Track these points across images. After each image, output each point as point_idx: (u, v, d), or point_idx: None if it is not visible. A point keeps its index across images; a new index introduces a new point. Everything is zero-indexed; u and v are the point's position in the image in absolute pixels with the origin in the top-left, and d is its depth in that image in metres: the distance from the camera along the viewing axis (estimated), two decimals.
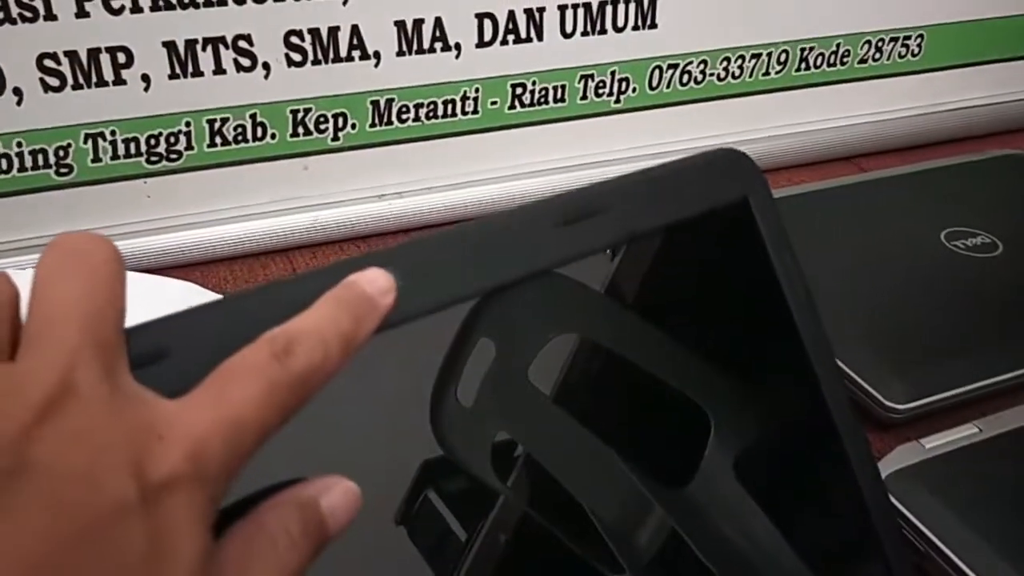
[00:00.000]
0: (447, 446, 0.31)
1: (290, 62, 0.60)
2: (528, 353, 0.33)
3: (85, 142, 0.58)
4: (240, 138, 0.61)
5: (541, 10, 0.64)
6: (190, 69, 0.58)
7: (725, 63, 0.71)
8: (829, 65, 0.74)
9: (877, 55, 0.76)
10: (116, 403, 0.22)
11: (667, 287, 0.38)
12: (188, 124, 0.59)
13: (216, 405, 0.23)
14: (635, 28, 0.67)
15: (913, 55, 0.77)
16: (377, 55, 0.61)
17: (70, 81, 0.56)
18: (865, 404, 0.51)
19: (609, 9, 0.66)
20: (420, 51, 0.62)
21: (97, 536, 0.21)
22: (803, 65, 0.74)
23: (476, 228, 0.31)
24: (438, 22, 0.62)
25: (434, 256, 0.29)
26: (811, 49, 0.73)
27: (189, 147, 0.60)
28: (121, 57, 0.56)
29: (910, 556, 0.42)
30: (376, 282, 0.27)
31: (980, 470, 0.47)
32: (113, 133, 0.58)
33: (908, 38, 0.76)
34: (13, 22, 0.53)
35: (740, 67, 0.72)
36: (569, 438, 0.34)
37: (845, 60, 0.75)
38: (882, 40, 0.75)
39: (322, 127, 0.62)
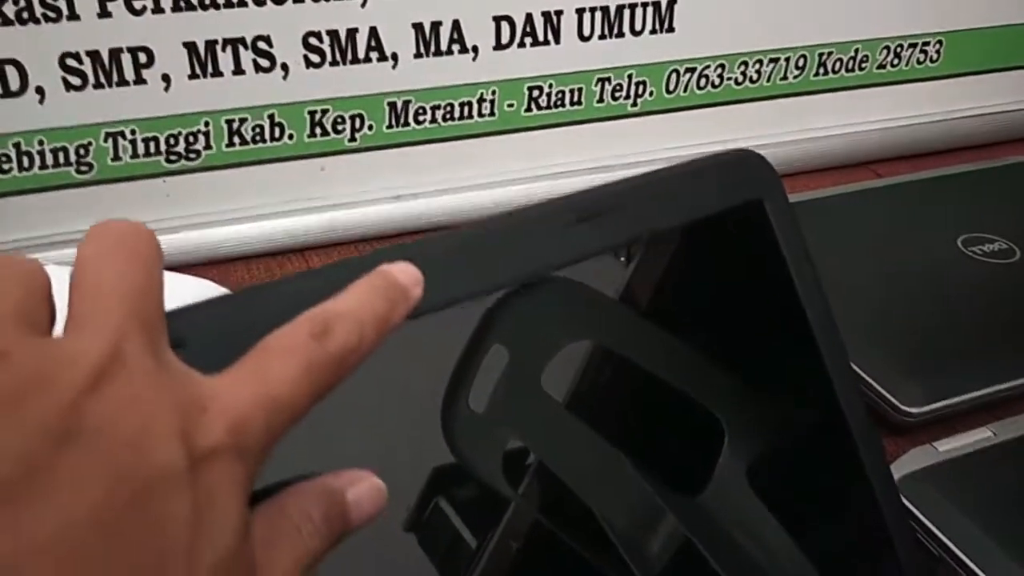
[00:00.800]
0: (458, 452, 0.31)
1: (308, 63, 0.60)
2: (541, 360, 0.33)
3: (105, 141, 0.58)
4: (258, 138, 0.61)
5: (559, 13, 0.64)
6: (210, 69, 0.58)
7: (743, 67, 0.71)
8: (847, 70, 0.74)
9: (895, 61, 0.75)
10: (161, 376, 0.23)
11: (682, 293, 0.38)
12: (207, 124, 0.60)
13: (256, 381, 0.24)
14: (653, 32, 0.67)
15: (932, 61, 0.76)
16: (395, 57, 0.62)
17: (91, 80, 0.56)
18: (879, 408, 0.51)
19: (627, 12, 0.66)
20: (437, 53, 0.62)
21: (146, 501, 0.21)
22: (821, 70, 0.73)
23: (491, 223, 0.31)
24: (456, 24, 0.62)
25: (449, 252, 0.30)
26: (829, 54, 0.73)
27: (208, 147, 0.60)
28: (142, 57, 0.56)
29: (923, 560, 0.42)
30: (406, 272, 0.28)
31: (994, 474, 0.47)
32: (133, 132, 0.58)
33: (927, 44, 0.76)
34: (37, 21, 0.54)
35: (758, 71, 0.72)
36: (581, 445, 0.34)
37: (863, 65, 0.74)
38: (900, 46, 0.75)
39: (339, 128, 0.63)
